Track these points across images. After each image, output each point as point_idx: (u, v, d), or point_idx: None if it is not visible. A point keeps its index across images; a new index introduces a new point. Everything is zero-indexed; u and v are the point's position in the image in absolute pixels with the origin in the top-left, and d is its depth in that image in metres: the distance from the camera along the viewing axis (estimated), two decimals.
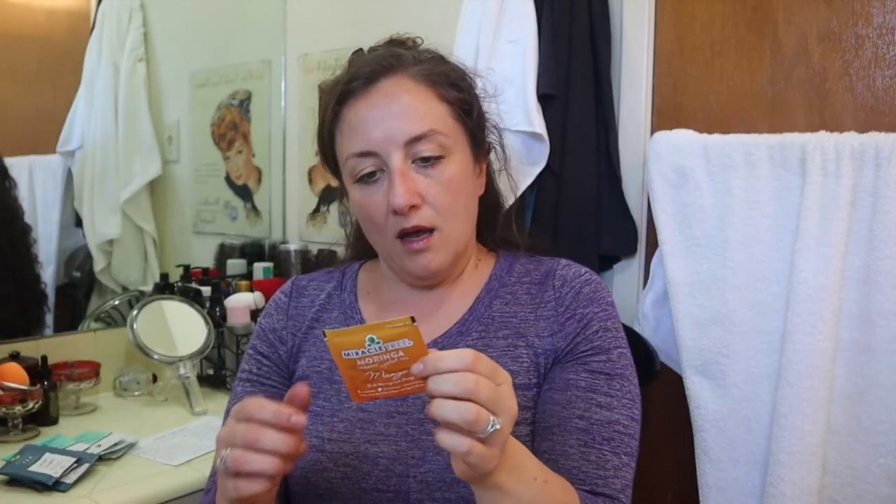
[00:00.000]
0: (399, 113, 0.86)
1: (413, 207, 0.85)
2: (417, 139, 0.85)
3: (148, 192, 2.16)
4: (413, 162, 0.86)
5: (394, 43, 0.95)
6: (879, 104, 1.38)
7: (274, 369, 0.97)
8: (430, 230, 0.87)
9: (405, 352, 0.64)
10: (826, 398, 1.29)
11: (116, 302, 2.06)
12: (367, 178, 0.88)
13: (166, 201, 2.22)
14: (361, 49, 0.96)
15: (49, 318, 1.91)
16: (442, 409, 0.62)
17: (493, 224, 1.01)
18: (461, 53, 1.58)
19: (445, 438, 0.63)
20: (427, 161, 0.86)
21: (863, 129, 1.32)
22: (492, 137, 0.99)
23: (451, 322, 0.93)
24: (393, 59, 0.89)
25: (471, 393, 0.62)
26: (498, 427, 0.63)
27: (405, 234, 0.87)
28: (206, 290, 1.99)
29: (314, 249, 2.21)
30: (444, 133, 0.87)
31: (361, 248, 1.04)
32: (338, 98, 0.89)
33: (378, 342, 0.64)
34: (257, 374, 0.97)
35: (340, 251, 1.12)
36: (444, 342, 0.91)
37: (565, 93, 1.61)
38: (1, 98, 1.86)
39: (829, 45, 1.43)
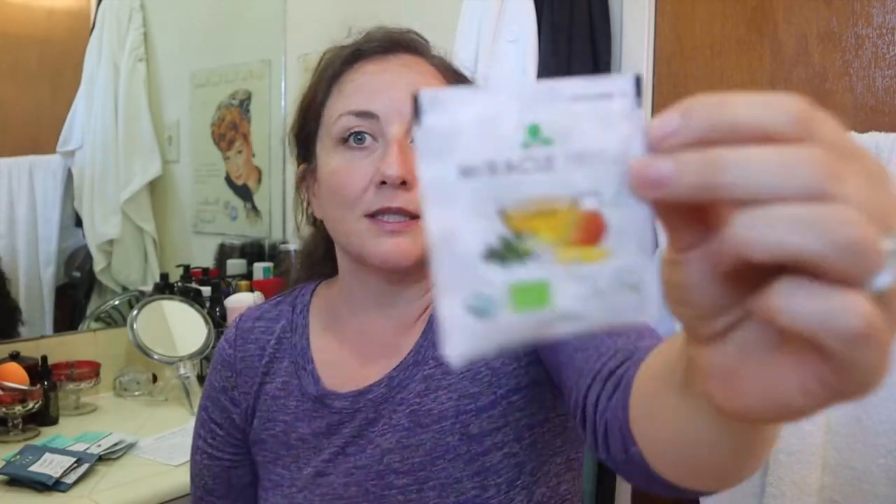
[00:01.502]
0: (412, 84, 0.77)
1: (403, 184, 0.73)
2: None
3: (148, 192, 2.16)
4: (412, 141, 0.74)
5: (412, 32, 0.87)
6: (879, 104, 1.38)
7: (227, 439, 0.87)
8: (413, 217, 0.74)
9: None
10: None
11: (116, 302, 2.06)
12: (354, 141, 0.75)
13: (166, 201, 2.22)
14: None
15: (23, 329, 1.89)
16: (771, 229, 0.25)
17: None
18: (461, 54, 1.58)
19: (795, 306, 0.26)
20: None
21: (863, 130, 1.32)
22: None
23: (407, 350, 0.79)
24: (417, 41, 0.82)
25: (827, 187, 0.26)
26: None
27: (382, 213, 0.74)
28: (206, 290, 1.99)
29: None
30: None
31: (315, 267, 0.91)
32: (347, 57, 0.79)
33: None
34: (211, 446, 0.88)
35: None
36: (399, 375, 0.77)
37: None
38: (1, 98, 1.86)
39: (828, 45, 1.43)
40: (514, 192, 0.27)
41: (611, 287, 0.28)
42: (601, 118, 0.27)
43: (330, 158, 0.78)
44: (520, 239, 0.27)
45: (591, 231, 0.27)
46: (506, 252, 0.27)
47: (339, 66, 0.79)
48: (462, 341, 0.27)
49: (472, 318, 0.27)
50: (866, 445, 1.29)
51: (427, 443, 0.73)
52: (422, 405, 0.75)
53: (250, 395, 0.84)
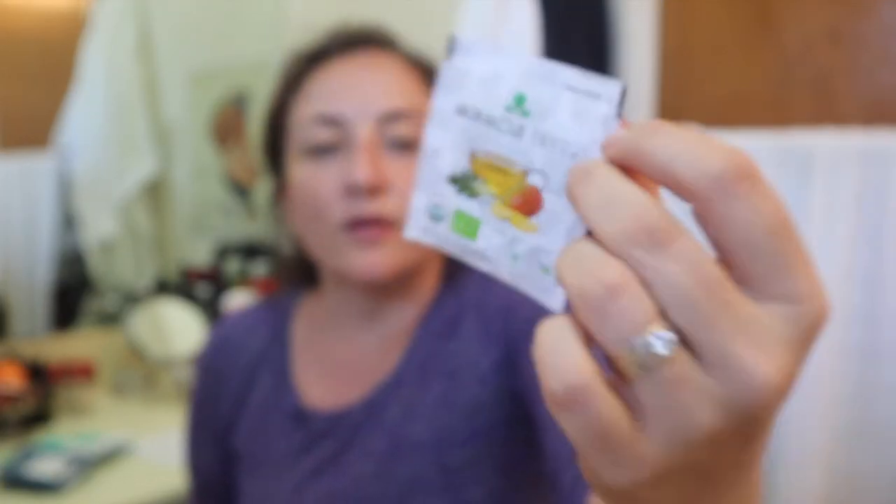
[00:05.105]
0: (380, 83, 0.71)
1: (375, 190, 0.68)
2: (396, 116, 0.70)
3: (145, 191, 2.15)
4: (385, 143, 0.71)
5: (378, 26, 0.81)
6: (886, 103, 1.37)
7: (211, 447, 0.83)
8: (390, 223, 0.69)
9: None
10: (832, 401, 1.28)
11: (115, 302, 2.05)
12: (319, 152, 0.70)
13: (164, 201, 2.21)
14: None
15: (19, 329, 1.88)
16: (565, 267, 0.28)
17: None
18: None
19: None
20: (403, 146, 0.70)
21: (869, 128, 1.31)
22: None
23: (389, 368, 0.75)
24: (383, 35, 0.77)
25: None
26: (663, 353, 0.25)
27: (357, 224, 0.69)
28: (204, 290, 1.98)
29: None
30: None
31: (303, 276, 0.84)
32: (309, 58, 0.74)
33: None
34: (195, 450, 0.85)
35: None
36: (379, 397, 0.73)
37: None
38: (0, 98, 1.85)
39: (835, 42, 1.42)
40: (485, 142, 0.31)
41: (525, 257, 0.31)
42: (580, 113, 0.29)
43: (297, 169, 0.73)
44: (475, 180, 0.31)
45: (529, 203, 0.30)
46: (463, 184, 0.32)
47: (302, 69, 0.75)
48: (417, 229, 0.33)
49: (427, 217, 0.33)
50: (873, 449, 1.28)
51: (404, 474, 0.70)
52: (400, 432, 0.71)
53: (232, 406, 0.81)
